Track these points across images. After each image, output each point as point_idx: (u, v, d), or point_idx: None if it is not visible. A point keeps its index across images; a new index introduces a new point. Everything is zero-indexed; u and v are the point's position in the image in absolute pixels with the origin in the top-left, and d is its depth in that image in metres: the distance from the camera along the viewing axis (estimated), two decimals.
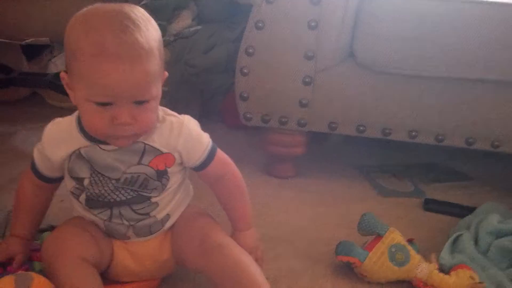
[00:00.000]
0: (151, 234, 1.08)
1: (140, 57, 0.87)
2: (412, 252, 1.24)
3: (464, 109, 1.61)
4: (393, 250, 1.23)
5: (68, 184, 1.06)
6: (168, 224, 1.10)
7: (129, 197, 1.02)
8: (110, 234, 1.08)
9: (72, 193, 1.06)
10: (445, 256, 1.28)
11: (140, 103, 0.90)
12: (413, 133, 1.67)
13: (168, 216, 1.08)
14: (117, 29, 0.86)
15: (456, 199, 1.70)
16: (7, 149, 1.89)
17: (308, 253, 1.33)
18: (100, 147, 0.98)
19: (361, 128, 1.67)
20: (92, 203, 1.04)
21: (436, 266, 1.23)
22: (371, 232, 1.28)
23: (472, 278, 1.18)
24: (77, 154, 1.00)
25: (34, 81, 2.16)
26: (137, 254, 1.08)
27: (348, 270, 1.26)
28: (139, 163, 0.99)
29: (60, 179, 1.09)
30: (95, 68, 0.86)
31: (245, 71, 1.66)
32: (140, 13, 0.91)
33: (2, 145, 1.92)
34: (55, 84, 2.03)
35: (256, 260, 1.06)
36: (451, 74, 1.56)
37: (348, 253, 1.24)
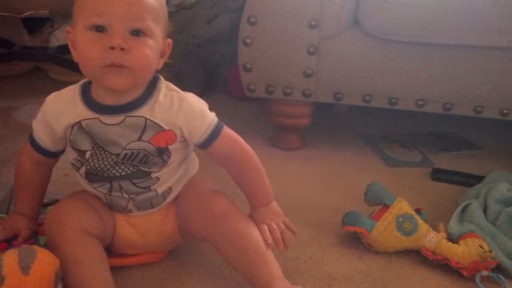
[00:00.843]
0: (152, 207, 1.07)
1: None
2: (420, 221, 1.22)
3: (472, 77, 1.58)
4: (401, 219, 1.21)
5: (70, 155, 1.04)
6: (170, 198, 1.08)
7: (128, 172, 1.00)
8: (111, 207, 1.07)
9: (73, 164, 1.04)
10: (454, 225, 1.26)
11: (136, 33, 0.89)
12: (420, 102, 1.64)
13: (170, 189, 1.07)
14: None
15: (464, 168, 1.68)
16: (10, 124, 1.88)
17: (315, 223, 1.32)
18: (101, 121, 0.96)
19: (367, 98, 1.65)
20: (92, 176, 1.03)
21: (445, 235, 1.22)
22: (378, 202, 1.26)
23: (481, 246, 1.16)
24: (79, 127, 0.98)
25: (36, 55, 2.14)
26: (140, 228, 1.07)
27: (355, 240, 1.25)
28: (139, 139, 0.97)
29: (60, 153, 1.08)
30: None
31: (247, 41, 1.63)
32: None
33: (5, 119, 1.91)
34: (57, 58, 2.01)
35: (278, 237, 1.04)
36: (457, 41, 1.53)
37: (355, 223, 1.22)
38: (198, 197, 1.07)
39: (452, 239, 1.22)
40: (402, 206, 1.24)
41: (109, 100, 0.97)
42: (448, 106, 1.64)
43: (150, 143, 0.98)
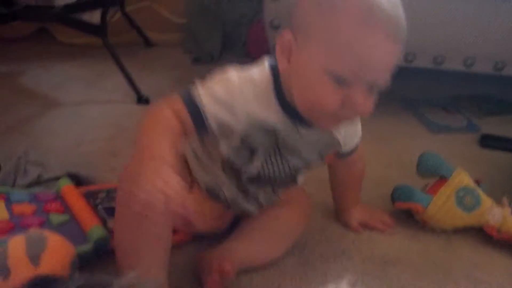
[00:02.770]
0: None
1: (402, 39, 0.75)
2: (483, 195, 1.07)
3: None
4: (461, 194, 1.06)
5: (224, 146, 0.86)
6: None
7: (288, 180, 0.93)
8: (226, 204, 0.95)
9: (223, 158, 0.87)
10: None
11: (372, 88, 0.76)
12: (469, 61, 1.47)
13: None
14: (386, 1, 0.74)
15: None
16: (15, 89, 1.73)
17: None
18: (298, 130, 0.85)
19: (409, 57, 1.48)
20: (254, 180, 0.91)
21: (510, 210, 1.07)
22: (433, 173, 1.11)
23: None
24: (269, 128, 0.84)
25: (41, 14, 1.96)
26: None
27: (406, 216, 1.10)
28: (320, 152, 0.92)
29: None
30: (362, 36, 0.72)
31: None
32: None
33: (10, 85, 1.77)
34: (64, 17, 1.84)
35: (375, 227, 1.08)
36: None
37: (408, 198, 1.08)
38: None
39: None
40: (463, 178, 1.08)
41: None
42: (499, 65, 1.47)
43: (324, 158, 0.94)
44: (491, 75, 1.52)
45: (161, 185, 0.66)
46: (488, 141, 1.48)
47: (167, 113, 0.79)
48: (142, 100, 1.66)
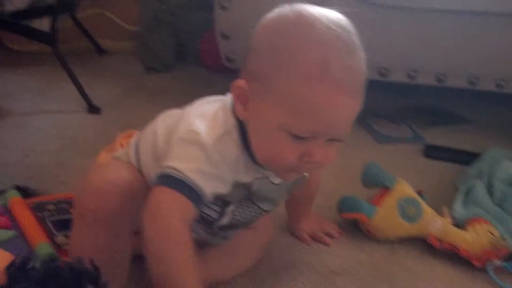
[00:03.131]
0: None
1: (361, 90, 0.74)
2: (424, 205, 1.12)
3: (468, 45, 1.48)
4: (403, 203, 1.11)
5: None
6: None
7: (256, 219, 0.93)
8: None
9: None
10: (459, 208, 1.16)
11: (333, 141, 0.76)
12: (412, 73, 1.53)
13: None
14: (346, 50, 0.72)
15: (457, 144, 1.59)
16: None
17: None
18: (269, 180, 0.85)
19: None
20: (225, 227, 0.90)
21: (450, 220, 1.12)
22: (377, 184, 1.15)
23: (491, 233, 1.07)
24: (245, 183, 0.83)
25: None
26: None
27: (353, 228, 1.14)
28: (287, 193, 0.94)
29: None
30: (320, 96, 0.70)
31: (225, 5, 1.48)
32: (354, 32, 0.74)
33: None
34: (13, 24, 1.81)
35: (322, 240, 1.10)
36: (453, 6, 1.42)
37: (353, 208, 1.11)
38: None
39: (458, 224, 1.12)
40: (404, 188, 1.13)
41: None
42: (441, 77, 1.53)
43: (290, 192, 0.94)
44: (434, 87, 1.58)
45: None
46: (432, 152, 1.54)
47: (174, 223, 0.72)
48: (93, 109, 1.65)
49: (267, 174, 0.83)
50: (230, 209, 0.86)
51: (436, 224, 1.10)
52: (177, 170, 0.74)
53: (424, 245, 1.10)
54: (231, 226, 0.90)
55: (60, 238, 0.96)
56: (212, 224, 0.87)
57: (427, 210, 1.11)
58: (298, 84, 0.70)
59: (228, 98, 0.82)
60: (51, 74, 1.88)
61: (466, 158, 1.47)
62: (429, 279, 1.02)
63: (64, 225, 0.97)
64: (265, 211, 0.91)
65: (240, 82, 0.76)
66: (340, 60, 0.70)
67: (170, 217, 0.72)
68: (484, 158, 1.39)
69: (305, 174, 0.92)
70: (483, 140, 1.63)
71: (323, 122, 0.72)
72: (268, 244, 1.03)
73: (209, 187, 0.75)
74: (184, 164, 0.75)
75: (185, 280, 0.71)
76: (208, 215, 0.85)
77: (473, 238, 1.06)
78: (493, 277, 1.01)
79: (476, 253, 1.05)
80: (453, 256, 1.07)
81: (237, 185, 0.81)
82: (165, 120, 0.87)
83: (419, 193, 1.16)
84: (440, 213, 1.13)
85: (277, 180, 0.85)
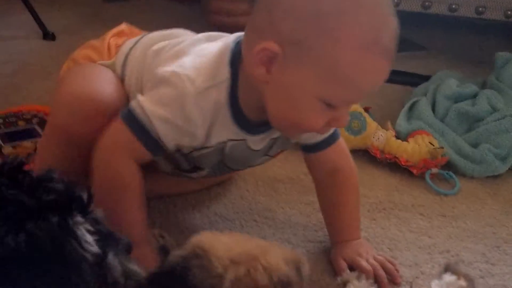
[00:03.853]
0: None
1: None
2: (369, 119, 1.16)
3: None
4: (349, 118, 1.14)
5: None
6: None
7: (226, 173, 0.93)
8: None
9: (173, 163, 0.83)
10: (402, 122, 1.20)
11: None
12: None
13: None
14: (391, 15, 0.66)
15: (412, 69, 1.62)
16: None
17: None
18: (247, 144, 0.79)
19: None
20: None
21: (393, 133, 1.16)
22: None
23: (431, 143, 1.11)
24: (219, 146, 0.77)
25: None
26: None
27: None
28: (265, 154, 0.84)
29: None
30: (365, 67, 0.65)
31: None
32: None
33: None
34: None
35: (382, 275, 0.80)
36: None
37: None
38: None
39: (401, 137, 1.17)
40: None
41: (256, 115, 0.76)
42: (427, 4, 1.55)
43: (271, 156, 0.87)
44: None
45: None
46: None
47: (120, 168, 0.72)
48: (48, 36, 1.63)
49: (246, 138, 0.78)
50: (203, 173, 0.84)
51: (379, 136, 1.13)
52: (144, 111, 0.70)
53: (367, 156, 1.14)
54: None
55: (6, 149, 0.97)
56: (180, 170, 0.85)
57: (371, 124, 1.15)
58: (346, 54, 0.64)
59: (230, 41, 0.74)
60: (5, 0, 1.84)
61: (417, 80, 1.50)
62: (369, 186, 1.06)
63: (11, 137, 0.99)
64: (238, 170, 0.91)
65: (271, 45, 0.66)
66: (389, 28, 0.65)
67: (116, 159, 0.71)
68: (433, 79, 1.43)
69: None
70: (437, 65, 1.66)
71: (362, 92, 0.69)
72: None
73: (173, 140, 0.72)
74: (154, 107, 0.70)
75: (136, 226, 0.72)
76: (179, 163, 0.82)
77: (414, 149, 1.11)
78: (429, 183, 1.06)
79: (415, 162, 1.09)
80: (394, 166, 1.11)
81: (213, 147, 0.76)
82: (159, 43, 0.80)
83: (366, 110, 1.20)
84: (384, 127, 1.17)
85: (256, 146, 0.80)
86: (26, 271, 0.46)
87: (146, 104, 0.70)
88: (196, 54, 0.74)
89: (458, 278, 0.63)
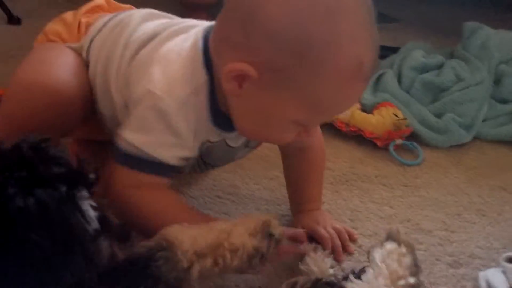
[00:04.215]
0: None
1: None
2: None
3: None
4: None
5: None
6: None
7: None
8: None
9: None
10: (367, 95, 1.21)
11: None
12: None
13: None
14: (373, 29, 0.63)
15: (382, 42, 1.61)
16: None
17: None
18: (226, 143, 0.77)
19: None
20: None
21: (358, 106, 1.16)
22: None
23: (395, 115, 1.12)
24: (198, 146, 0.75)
25: None
26: None
27: None
28: (246, 146, 0.83)
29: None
30: (345, 93, 0.65)
31: None
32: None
33: None
34: None
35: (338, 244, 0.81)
36: None
37: None
38: None
39: (367, 109, 1.17)
40: None
41: None
42: None
43: (253, 148, 0.87)
44: None
45: None
46: None
47: (153, 201, 0.70)
48: (13, 20, 1.61)
49: (226, 137, 0.76)
50: (182, 174, 0.84)
51: None
52: (135, 146, 0.68)
53: (333, 130, 1.14)
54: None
55: None
56: None
57: None
58: (330, 85, 0.63)
59: (198, 39, 0.70)
60: None
61: (385, 53, 1.49)
62: (335, 159, 1.07)
63: None
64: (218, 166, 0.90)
65: (246, 68, 0.62)
66: (372, 48, 0.63)
67: (141, 197, 0.69)
68: (401, 51, 1.43)
69: None
70: (407, 37, 1.65)
71: (338, 112, 0.72)
72: None
73: (174, 157, 0.70)
74: (143, 137, 0.68)
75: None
76: None
77: (378, 121, 1.11)
78: (393, 154, 1.07)
79: (380, 134, 1.10)
80: (359, 138, 1.12)
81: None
82: (124, 35, 0.76)
83: None
84: None
85: (234, 143, 0.79)
86: (33, 233, 0.47)
87: (132, 137, 0.68)
88: (163, 62, 0.70)
89: (399, 246, 0.64)
